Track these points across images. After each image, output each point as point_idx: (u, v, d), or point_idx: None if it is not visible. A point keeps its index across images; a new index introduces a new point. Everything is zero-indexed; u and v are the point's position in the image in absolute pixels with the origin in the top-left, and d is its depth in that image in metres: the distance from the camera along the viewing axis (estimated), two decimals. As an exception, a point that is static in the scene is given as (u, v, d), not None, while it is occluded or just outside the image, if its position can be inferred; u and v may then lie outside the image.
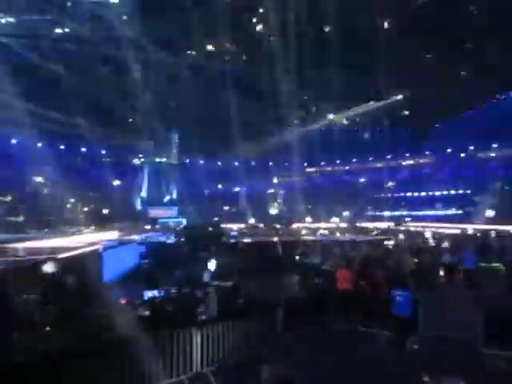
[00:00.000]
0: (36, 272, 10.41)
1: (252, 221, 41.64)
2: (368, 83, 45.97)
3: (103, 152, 46.64)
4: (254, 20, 36.32)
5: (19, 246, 15.22)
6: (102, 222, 35.95)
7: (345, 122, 52.57)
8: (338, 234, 31.76)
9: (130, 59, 35.47)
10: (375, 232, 32.34)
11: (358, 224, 39.52)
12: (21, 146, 40.40)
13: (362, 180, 55.30)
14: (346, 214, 46.92)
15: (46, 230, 28.93)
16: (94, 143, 42.50)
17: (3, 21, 18.49)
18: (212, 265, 13.56)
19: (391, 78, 40.63)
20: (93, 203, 40.58)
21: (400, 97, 48.33)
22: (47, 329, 7.47)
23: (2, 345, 6.46)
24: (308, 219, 45.52)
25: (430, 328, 9.42)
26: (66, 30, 31.00)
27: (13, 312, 7.57)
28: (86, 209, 39.73)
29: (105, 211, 40.84)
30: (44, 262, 11.12)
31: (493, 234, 23.93)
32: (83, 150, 45.68)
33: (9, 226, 25.39)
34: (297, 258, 17.70)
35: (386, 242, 20.37)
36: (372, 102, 49.85)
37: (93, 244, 16.57)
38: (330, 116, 51.11)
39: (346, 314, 10.19)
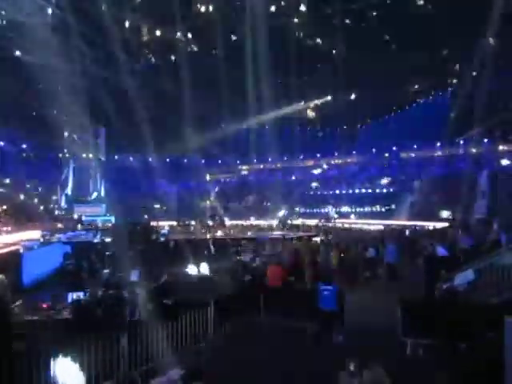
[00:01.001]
0: None
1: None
2: (298, 84, 47.18)
3: (24, 147, 43.87)
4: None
5: None
6: (22, 221, 33.74)
7: (276, 120, 53.37)
8: (270, 231, 32.29)
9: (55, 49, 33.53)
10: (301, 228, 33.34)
11: (289, 221, 40.36)
12: None
13: (293, 178, 56.65)
14: (279, 211, 47.81)
15: None
16: (13, 137, 39.87)
17: None
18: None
19: (321, 79, 41.96)
20: (12, 201, 37.92)
21: (329, 98, 50.02)
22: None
23: None
24: (242, 216, 45.85)
25: (354, 320, 9.92)
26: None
27: None
28: (4, 207, 37.11)
29: (26, 209, 38.34)
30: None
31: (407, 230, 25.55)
32: (0, 143, 42.60)
33: None
34: (229, 255, 17.81)
35: (314, 239, 21.03)
36: (302, 103, 51.16)
37: (11, 245, 15.56)
38: (262, 115, 51.68)
39: (274, 309, 10.42)
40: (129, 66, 39.99)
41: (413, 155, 50.25)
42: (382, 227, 31.37)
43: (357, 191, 49.67)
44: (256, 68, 36.82)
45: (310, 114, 54.20)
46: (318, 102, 50.56)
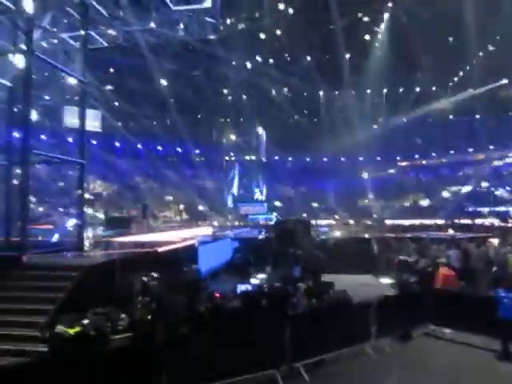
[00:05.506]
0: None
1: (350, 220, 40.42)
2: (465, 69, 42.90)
3: (196, 151, 48.74)
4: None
5: (123, 239, 16.49)
6: (197, 218, 37.78)
7: (442, 110, 49.24)
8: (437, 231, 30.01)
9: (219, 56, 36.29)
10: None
11: (456, 220, 37.00)
12: (123, 147, 43.98)
13: (461, 173, 51.69)
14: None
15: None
16: (188, 143, 44.54)
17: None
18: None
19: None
20: (188, 200, 42.52)
21: (505, 81, 44.05)
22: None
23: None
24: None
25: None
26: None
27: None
28: (182, 206, 41.84)
29: (200, 208, 42.62)
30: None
31: None
32: (178, 150, 48.32)
33: (117, 222, 27.25)
34: (389, 255, 17.13)
35: (490, 240, 18.81)
36: (471, 90, 46.15)
37: (190, 239, 17.41)
38: (425, 106, 48.33)
39: (445, 317, 9.59)
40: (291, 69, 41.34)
41: None
42: None
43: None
44: (414, 57, 34.65)
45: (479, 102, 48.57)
46: (488, 87, 44.93)
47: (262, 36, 35.49)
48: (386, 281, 14.35)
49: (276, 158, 54.22)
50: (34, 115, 13.38)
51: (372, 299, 9.23)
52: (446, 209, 42.42)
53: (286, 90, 47.43)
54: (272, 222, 34.11)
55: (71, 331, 7.20)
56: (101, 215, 28.30)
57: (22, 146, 11.50)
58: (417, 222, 38.88)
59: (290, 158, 53.85)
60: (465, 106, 48.18)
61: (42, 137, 31.80)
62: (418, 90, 46.62)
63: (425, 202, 49.51)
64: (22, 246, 10.94)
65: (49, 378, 5.76)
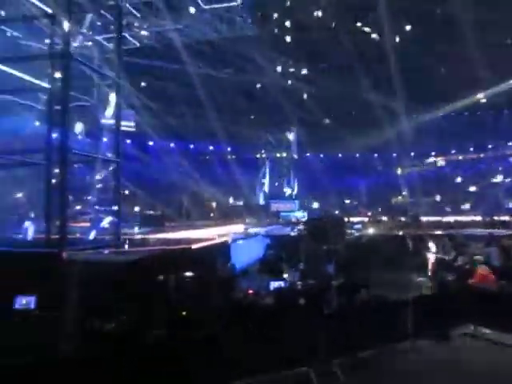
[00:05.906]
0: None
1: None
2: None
3: (229, 149, 48.93)
4: None
5: (158, 236, 16.80)
6: (230, 216, 38.05)
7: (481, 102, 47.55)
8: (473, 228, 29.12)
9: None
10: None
11: (495, 217, 35.82)
12: (156, 146, 44.64)
13: (500, 168, 49.96)
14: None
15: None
16: (222, 141, 44.82)
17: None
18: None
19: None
20: (221, 198, 42.83)
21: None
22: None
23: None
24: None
25: None
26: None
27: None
28: (214, 204, 42.24)
29: (232, 205, 42.92)
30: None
31: None
32: (211, 148, 48.67)
33: (151, 220, 27.76)
34: (426, 252, 16.74)
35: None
36: (511, 81, 44.32)
37: (222, 236, 17.55)
38: (461, 100, 46.82)
39: (487, 315, 9.28)
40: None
41: None
42: None
43: None
44: (448, 51, 33.58)
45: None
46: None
47: (292, 36, 35.33)
48: (422, 279, 14.04)
49: (307, 154, 53.87)
50: (72, 116, 13.75)
51: (409, 298, 9.06)
52: (484, 205, 41.18)
53: (316, 87, 46.93)
54: (304, 220, 33.99)
55: (107, 327, 7.37)
56: (136, 213, 28.92)
57: (61, 146, 11.89)
58: (452, 219, 38.00)
59: (322, 155, 53.34)
60: (503, 99, 46.47)
61: (79, 137, 32.71)
62: (453, 83, 45.23)
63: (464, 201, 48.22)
64: (62, 242, 11.30)
65: (84, 374, 5.90)
